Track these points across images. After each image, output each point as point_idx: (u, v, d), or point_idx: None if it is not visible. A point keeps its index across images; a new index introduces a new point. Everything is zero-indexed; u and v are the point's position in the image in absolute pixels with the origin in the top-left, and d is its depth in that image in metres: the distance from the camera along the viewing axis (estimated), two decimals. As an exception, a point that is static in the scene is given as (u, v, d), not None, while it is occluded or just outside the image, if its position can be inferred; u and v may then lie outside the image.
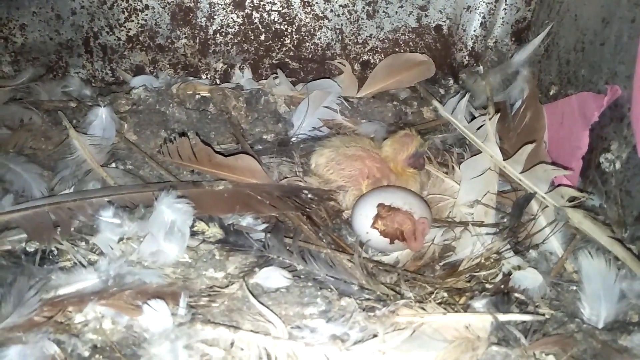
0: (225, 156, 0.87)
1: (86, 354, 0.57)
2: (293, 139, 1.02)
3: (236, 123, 1.01)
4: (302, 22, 1.02)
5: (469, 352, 0.62)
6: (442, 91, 1.13)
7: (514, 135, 0.97)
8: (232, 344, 0.59)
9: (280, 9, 1.00)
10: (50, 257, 0.69)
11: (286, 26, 1.02)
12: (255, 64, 1.07)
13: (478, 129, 0.95)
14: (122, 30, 0.99)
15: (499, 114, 0.93)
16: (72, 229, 0.73)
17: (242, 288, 0.67)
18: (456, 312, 0.66)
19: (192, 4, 0.98)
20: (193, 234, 0.74)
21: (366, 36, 1.06)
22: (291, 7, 1.00)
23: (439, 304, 0.68)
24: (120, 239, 0.71)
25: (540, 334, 0.65)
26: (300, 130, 1.02)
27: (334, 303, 0.67)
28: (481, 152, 0.94)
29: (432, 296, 0.72)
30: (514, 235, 0.82)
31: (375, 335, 0.62)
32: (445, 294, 0.73)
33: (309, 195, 0.88)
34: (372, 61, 1.09)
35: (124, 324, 0.60)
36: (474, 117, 0.99)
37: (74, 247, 0.70)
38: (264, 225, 0.80)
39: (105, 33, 0.99)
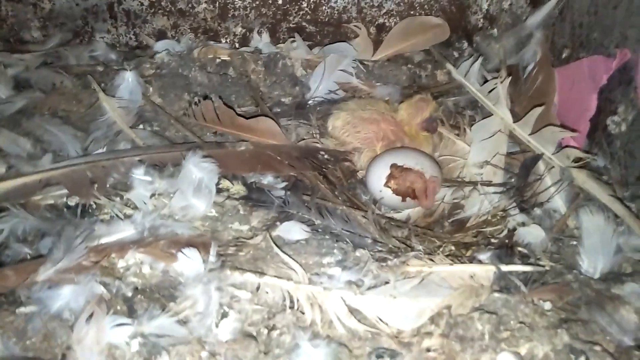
0: (247, 119, 0.92)
1: (129, 294, 0.64)
2: (310, 101, 1.05)
3: (255, 86, 1.05)
4: (319, -14, 1.04)
5: (472, 297, 0.67)
6: (456, 54, 1.15)
7: (525, 98, 1.00)
8: (258, 288, 0.66)
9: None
10: (90, 210, 0.76)
11: (303, -10, 1.05)
12: (273, 28, 1.10)
13: (490, 92, 0.98)
14: (145, -5, 1.02)
15: (509, 78, 0.95)
16: (108, 186, 0.79)
17: (266, 239, 0.73)
18: (462, 263, 0.72)
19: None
20: (219, 190, 0.80)
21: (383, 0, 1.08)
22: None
23: (447, 256, 0.74)
24: (152, 195, 0.77)
25: (539, 284, 0.70)
26: (316, 93, 1.06)
27: (349, 254, 0.73)
28: (491, 115, 0.97)
29: (440, 249, 0.78)
30: (520, 194, 0.86)
31: (387, 282, 0.68)
32: (453, 247, 0.79)
33: (326, 156, 0.93)
34: (387, 24, 1.11)
35: (160, 269, 0.67)
36: (486, 80, 1.02)
37: (111, 202, 0.76)
38: (284, 184, 0.85)
39: (128, -2, 1.02)
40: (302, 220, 0.79)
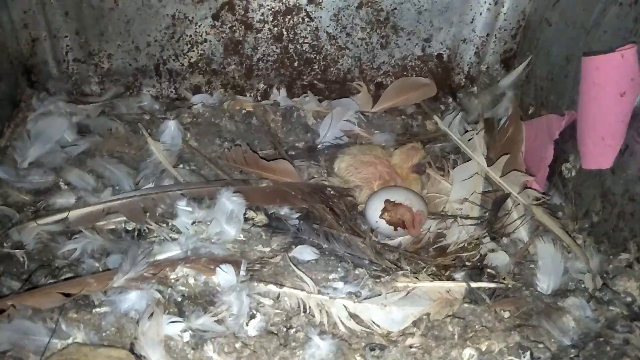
0: (268, 161, 1.12)
1: (179, 299, 0.83)
2: (319, 146, 1.26)
3: (274, 133, 1.25)
4: (328, 52, 1.27)
5: (447, 307, 0.86)
6: (442, 107, 1.36)
7: (499, 146, 1.20)
8: (278, 296, 0.84)
9: (310, 41, 1.25)
10: (144, 234, 0.95)
11: (315, 55, 1.27)
12: (289, 84, 1.31)
13: (469, 140, 1.19)
14: (185, 58, 1.24)
15: (483, 130, 1.16)
16: (157, 214, 0.99)
17: (284, 259, 0.92)
18: (440, 280, 0.90)
19: (241, 38, 1.23)
20: (245, 219, 0.99)
21: (380, 62, 1.30)
22: (319, 39, 1.24)
23: (429, 275, 0.92)
24: (193, 222, 0.96)
25: (502, 297, 0.89)
26: (325, 139, 1.26)
27: (350, 272, 0.91)
28: (470, 159, 1.17)
29: (424, 270, 0.96)
30: (492, 226, 1.05)
31: (379, 294, 0.86)
32: (435, 268, 0.97)
33: (332, 192, 1.13)
34: (384, 83, 1.33)
35: (202, 281, 0.86)
36: (466, 131, 1.22)
37: (160, 227, 0.96)
38: (298, 214, 1.05)
39: (172, 60, 1.25)
40: (313, 244, 0.98)
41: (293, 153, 1.23)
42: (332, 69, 1.29)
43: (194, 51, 1.23)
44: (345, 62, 1.29)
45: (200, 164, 1.15)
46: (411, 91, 1.32)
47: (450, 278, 0.93)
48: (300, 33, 1.24)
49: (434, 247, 1.07)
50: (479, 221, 1.07)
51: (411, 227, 1.04)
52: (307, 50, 1.26)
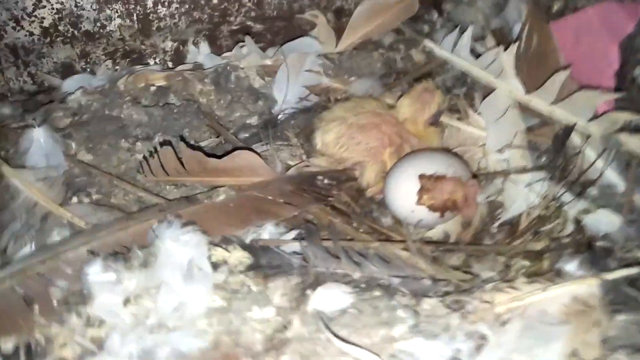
0: (218, 157, 0.69)
1: None
2: (280, 116, 0.85)
3: (209, 111, 0.82)
4: (260, -28, 0.83)
5: (591, 329, 0.53)
6: (426, 28, 0.99)
7: (524, 63, 0.87)
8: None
9: (230, -40, 0.80)
10: (37, 352, 0.51)
11: (241, -19, 0.83)
12: (212, 34, 0.87)
13: (489, 64, 0.84)
14: (34, 22, 0.75)
15: (516, 44, 0.81)
16: (55, 303, 0.54)
17: (305, 320, 0.53)
18: (555, 284, 0.57)
19: (119, -28, 0.76)
20: (214, 267, 0.58)
21: (335, -22, 0.89)
22: (243, -44, 0.81)
23: (529, 277, 0.58)
24: (126, 300, 0.53)
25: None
26: (285, 105, 0.86)
27: (417, 311, 0.55)
28: (493, 90, 0.83)
29: (514, 268, 0.62)
30: (566, 174, 0.73)
31: (483, 337, 0.51)
32: (527, 262, 0.63)
33: (325, 181, 0.74)
34: (346, 7, 0.93)
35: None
36: (478, 54, 0.87)
37: (67, 329, 0.52)
38: (293, 232, 0.65)
39: (10, 29, 0.74)
40: (336, 277, 0.60)
41: (246, 135, 0.81)
42: (267, 1, 0.86)
43: (44, 7, 0.74)
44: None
45: (107, 189, 0.69)
46: (384, 12, 0.93)
47: (559, 273, 0.59)
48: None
49: (495, 225, 0.73)
50: (546, 172, 0.73)
51: (466, 206, 0.68)
52: (228, -25, 0.82)
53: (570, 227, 0.68)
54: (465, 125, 0.83)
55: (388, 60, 0.94)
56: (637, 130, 0.72)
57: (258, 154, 0.73)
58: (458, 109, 0.84)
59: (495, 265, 0.64)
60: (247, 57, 0.86)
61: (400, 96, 0.79)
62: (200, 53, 0.86)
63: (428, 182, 0.67)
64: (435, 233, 0.73)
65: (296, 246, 0.63)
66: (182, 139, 0.72)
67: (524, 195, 0.72)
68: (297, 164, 0.76)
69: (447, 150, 0.74)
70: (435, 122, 0.79)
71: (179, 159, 0.66)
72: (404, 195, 0.68)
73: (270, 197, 0.69)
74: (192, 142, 0.75)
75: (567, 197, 0.70)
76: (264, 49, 0.89)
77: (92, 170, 0.70)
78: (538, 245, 0.66)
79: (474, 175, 0.72)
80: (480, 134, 0.82)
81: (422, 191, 0.67)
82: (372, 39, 0.95)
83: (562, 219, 0.69)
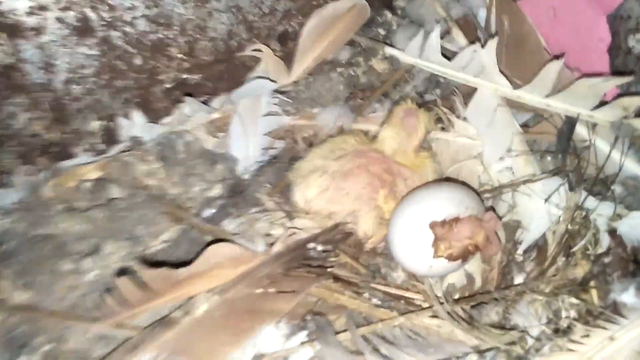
0: (189, 263, 0.57)
1: None
2: (246, 176, 0.73)
3: (162, 195, 0.69)
4: (185, 17, 0.70)
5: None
6: (382, 31, 0.88)
7: (502, 53, 0.77)
8: None
9: (146, 12, 0.66)
10: None
11: (164, 31, 0.69)
12: (143, 100, 0.73)
13: (467, 64, 0.74)
14: None
15: (495, 39, 0.71)
16: None
17: None
18: (618, 325, 0.48)
19: (13, 60, 0.61)
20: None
21: (270, 1, 0.76)
22: (160, 3, 0.67)
23: (583, 321, 0.49)
24: None
25: None
26: (249, 162, 0.73)
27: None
28: (474, 89, 0.73)
29: (563, 310, 0.53)
30: (582, 175, 0.64)
31: None
32: (573, 299, 0.54)
33: (319, 248, 0.63)
34: (290, 30, 0.80)
35: None
36: (446, 57, 0.77)
37: None
38: (301, 334, 0.54)
39: None
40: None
41: (213, 212, 0.68)
42: (202, 42, 0.73)
43: None
44: (218, 22, 0.73)
45: (58, 333, 0.55)
46: (334, 26, 0.81)
47: (615, 306, 0.51)
48: (121, 6, 0.64)
49: (519, 252, 0.63)
50: (560, 177, 0.64)
51: (488, 245, 0.58)
52: (146, 29, 0.68)
53: (605, 240, 0.59)
54: (453, 137, 0.73)
55: (350, 78, 0.83)
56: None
57: (231, 240, 0.60)
58: (440, 118, 0.74)
59: (536, 307, 0.55)
60: (192, 117, 0.73)
61: (382, 123, 0.68)
62: (135, 125, 0.72)
63: (441, 230, 0.56)
64: (457, 277, 0.62)
65: (308, 354, 0.51)
66: (147, 262, 0.58)
67: (542, 208, 0.63)
68: (280, 234, 0.64)
69: (450, 182, 0.64)
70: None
71: (142, 284, 0.53)
72: (417, 251, 0.58)
73: (260, 290, 0.57)
74: (151, 243, 0.62)
75: (591, 202, 0.61)
76: (208, 102, 0.76)
77: (32, 315, 0.56)
78: (578, 272, 0.56)
79: (489, 208, 0.62)
80: (472, 143, 0.72)
81: (436, 242, 0.57)
82: (326, 59, 0.82)
83: (592, 230, 0.60)
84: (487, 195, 0.68)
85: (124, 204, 0.65)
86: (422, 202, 0.59)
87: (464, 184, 0.64)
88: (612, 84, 0.62)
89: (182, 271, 0.55)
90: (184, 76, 0.74)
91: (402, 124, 0.65)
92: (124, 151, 0.70)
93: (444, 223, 0.57)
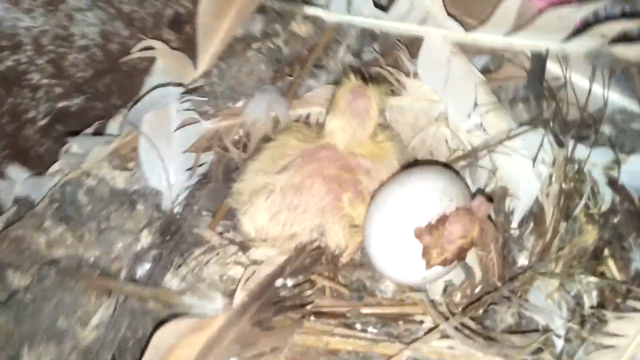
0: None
1: None
2: (176, 210, 0.59)
3: (75, 267, 0.54)
4: (35, 31, 0.51)
5: None
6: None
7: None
8: None
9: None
10: None
11: (13, 56, 0.51)
12: (17, 149, 0.56)
13: (407, 13, 0.61)
14: None
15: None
16: None
17: None
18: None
19: None
20: None
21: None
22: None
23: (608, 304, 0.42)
24: None
25: None
26: (175, 191, 0.59)
27: None
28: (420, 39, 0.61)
29: (584, 294, 0.46)
30: (564, 120, 0.55)
31: None
32: (592, 277, 0.47)
33: (289, 283, 0.52)
34: (182, 11, 0.63)
35: None
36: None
37: None
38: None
39: None
40: None
41: (146, 269, 0.55)
42: (70, 56, 0.55)
43: None
44: (83, 24, 0.55)
45: None
46: (235, -7, 0.65)
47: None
48: None
49: (515, 225, 0.55)
50: (539, 127, 0.55)
51: (484, 235, 0.49)
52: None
53: (607, 194, 0.51)
54: (407, 101, 0.62)
55: (270, 53, 0.68)
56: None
57: (177, 309, 0.48)
58: (389, 81, 0.62)
59: (551, 294, 0.47)
60: (88, 156, 0.57)
61: (327, 108, 0.55)
62: (16, 183, 0.55)
63: (429, 237, 0.47)
64: (454, 274, 0.54)
65: None
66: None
67: (527, 168, 0.55)
68: (239, 276, 0.53)
69: (423, 167, 0.53)
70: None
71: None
72: (405, 266, 0.48)
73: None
74: (81, 335, 0.49)
75: (581, 151, 0.53)
76: (102, 130, 0.60)
77: None
78: (587, 239, 0.49)
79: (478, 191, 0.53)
80: (431, 103, 0.62)
81: (427, 251, 0.47)
82: (236, 35, 0.67)
83: (590, 185, 0.52)
84: (461, 163, 0.58)
85: (30, 294, 0.50)
86: (398, 202, 0.48)
87: (438, 164, 0.54)
88: (585, 11, 0.51)
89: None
90: (61, 104, 0.56)
91: (350, 109, 0.53)
92: (10, 224, 0.54)
93: (430, 228, 0.47)
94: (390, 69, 0.62)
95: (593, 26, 0.51)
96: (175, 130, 0.60)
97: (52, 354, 0.49)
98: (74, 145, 0.56)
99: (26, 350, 0.48)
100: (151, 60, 0.61)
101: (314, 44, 0.68)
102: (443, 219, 0.47)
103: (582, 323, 0.44)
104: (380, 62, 0.64)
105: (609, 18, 0.53)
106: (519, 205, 0.55)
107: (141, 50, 0.59)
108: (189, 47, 0.63)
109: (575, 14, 0.51)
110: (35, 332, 0.49)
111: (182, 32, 0.64)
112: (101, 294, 0.52)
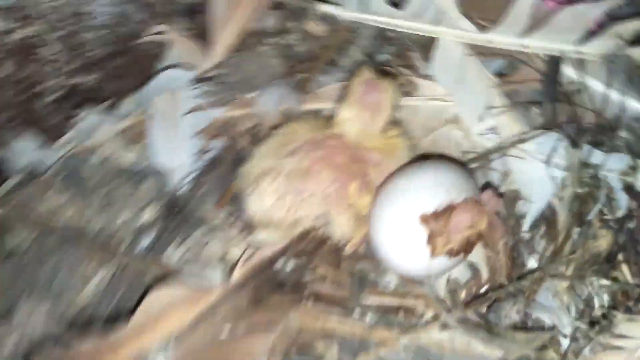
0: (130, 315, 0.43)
1: None
2: (182, 189, 0.58)
3: (80, 236, 0.53)
4: (48, 5, 0.52)
5: None
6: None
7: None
8: None
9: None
10: None
11: (23, 28, 0.52)
12: (29, 119, 0.56)
13: (420, 10, 0.62)
14: None
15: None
16: None
17: None
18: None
19: None
20: None
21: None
22: None
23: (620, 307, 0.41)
24: None
25: None
26: (182, 172, 0.59)
27: None
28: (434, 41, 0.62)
29: (595, 296, 0.45)
30: (581, 124, 0.55)
31: None
32: (603, 280, 0.46)
33: (288, 266, 0.51)
34: (197, 1, 0.65)
35: None
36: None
37: None
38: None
39: None
40: None
41: (148, 242, 0.54)
42: (83, 35, 0.56)
43: None
44: (97, 5, 0.56)
45: None
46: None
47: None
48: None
49: (527, 229, 0.53)
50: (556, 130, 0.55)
51: (492, 229, 0.48)
52: None
53: (623, 200, 0.50)
54: (420, 101, 0.62)
55: (284, 49, 0.68)
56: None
57: (176, 276, 0.47)
58: (401, 82, 0.62)
59: (561, 295, 0.46)
60: (96, 131, 0.57)
61: (338, 100, 0.55)
62: (24, 153, 0.55)
63: (436, 224, 0.46)
64: (459, 271, 0.52)
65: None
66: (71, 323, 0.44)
67: (541, 172, 0.54)
68: (239, 255, 0.52)
69: (431, 160, 0.52)
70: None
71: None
72: (409, 252, 0.47)
73: (225, 340, 0.45)
74: (77, 297, 0.48)
75: (596, 156, 0.53)
76: (112, 108, 0.60)
77: None
78: (601, 244, 0.48)
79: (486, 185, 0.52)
80: (444, 104, 0.62)
81: (432, 239, 0.46)
82: (250, 29, 0.68)
83: (605, 190, 0.51)
84: (473, 164, 0.58)
85: (30, 253, 0.50)
86: (405, 191, 0.48)
87: (448, 159, 0.53)
88: (600, 9, 0.52)
89: (116, 336, 0.41)
90: (74, 81, 0.57)
91: (363, 101, 0.52)
92: (17, 187, 0.53)
93: (437, 215, 0.46)
94: (403, 69, 0.63)
95: (608, 27, 0.51)
96: (185, 115, 0.60)
97: (45, 312, 0.48)
98: (84, 121, 0.56)
99: (21, 305, 0.47)
100: (164, 47, 0.62)
101: (327, 42, 0.69)
102: (450, 208, 0.46)
103: (591, 323, 0.43)
104: (393, 62, 0.64)
105: (624, 17, 0.53)
106: (531, 209, 0.54)
107: (155, 33, 0.60)
108: (202, 37, 0.64)
109: (591, 12, 0.51)
110: (33, 286, 0.48)
111: (196, 22, 0.65)
112: (100, 262, 0.51)
